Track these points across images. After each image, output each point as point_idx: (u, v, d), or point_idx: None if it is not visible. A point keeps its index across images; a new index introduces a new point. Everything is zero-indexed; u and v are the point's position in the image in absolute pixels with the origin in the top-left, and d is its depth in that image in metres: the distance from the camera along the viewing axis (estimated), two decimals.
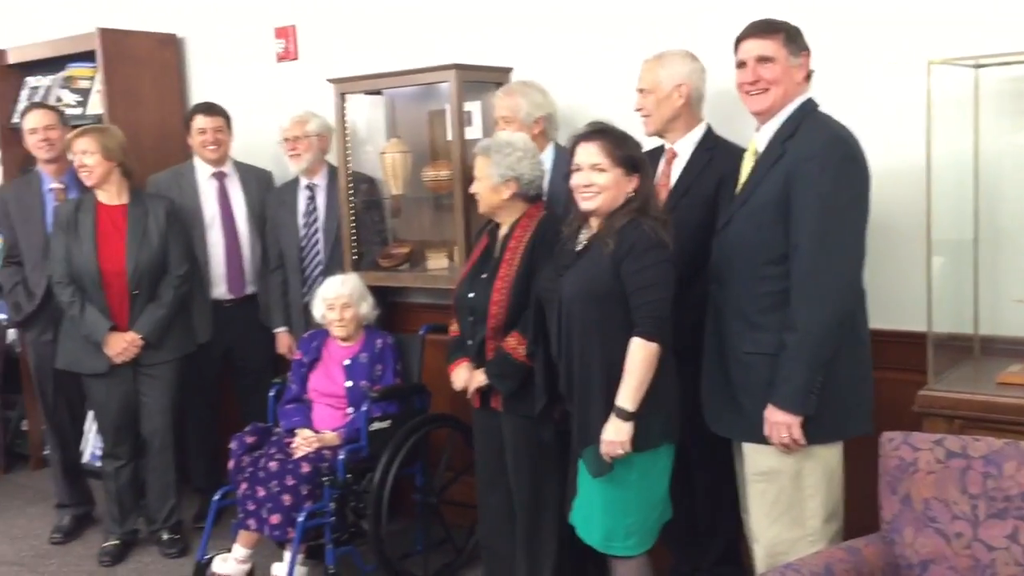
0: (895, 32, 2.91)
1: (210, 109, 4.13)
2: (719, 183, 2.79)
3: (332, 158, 4.05)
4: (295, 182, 4.08)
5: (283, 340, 4.13)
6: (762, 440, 2.49)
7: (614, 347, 2.54)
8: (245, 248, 4.17)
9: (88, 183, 3.75)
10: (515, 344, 2.95)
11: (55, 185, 4.09)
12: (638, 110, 3.00)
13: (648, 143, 2.99)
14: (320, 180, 4.04)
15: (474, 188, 3.05)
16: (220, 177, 4.17)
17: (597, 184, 2.58)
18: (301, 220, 4.01)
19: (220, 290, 4.15)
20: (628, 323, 2.54)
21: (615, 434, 2.51)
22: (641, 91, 2.98)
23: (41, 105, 4.28)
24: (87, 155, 3.71)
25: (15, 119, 4.93)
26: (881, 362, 2.86)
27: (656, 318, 2.50)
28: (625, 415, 2.50)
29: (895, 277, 2.94)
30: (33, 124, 4.08)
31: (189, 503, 4.24)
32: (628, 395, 2.50)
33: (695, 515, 3.05)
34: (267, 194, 4.20)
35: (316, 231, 4.01)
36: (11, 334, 5.06)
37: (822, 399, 2.40)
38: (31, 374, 4.30)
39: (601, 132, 2.62)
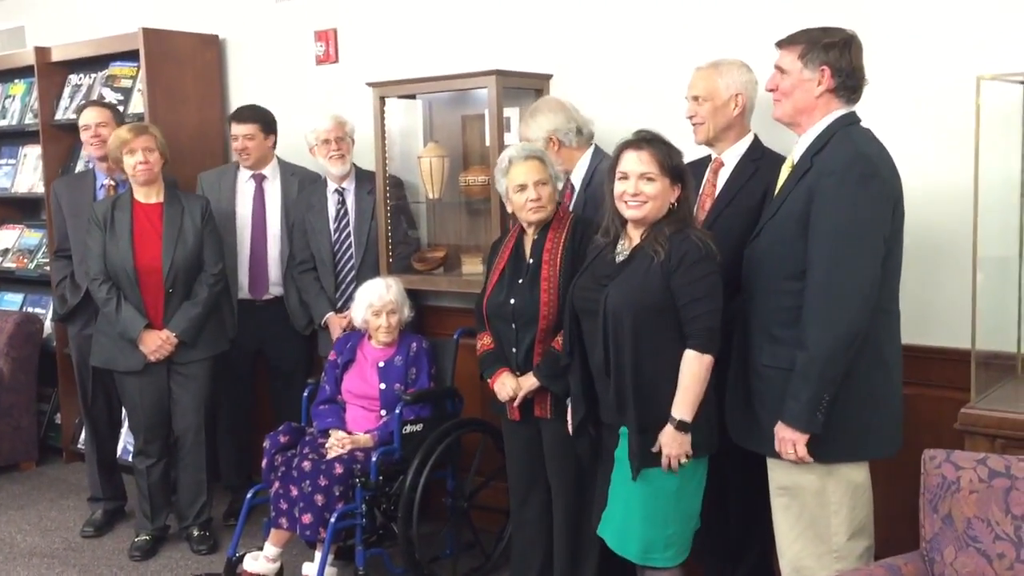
0: (945, 48, 2.90)
1: (241, 116, 4.15)
2: (764, 194, 2.77)
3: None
4: (323, 185, 4.07)
5: (336, 321, 3.97)
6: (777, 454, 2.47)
7: (665, 357, 2.55)
8: (273, 251, 4.18)
9: (143, 180, 3.77)
10: None
11: (108, 182, 4.13)
12: (690, 117, 2.98)
13: (693, 152, 2.98)
14: (349, 184, 4.05)
15: (543, 194, 3.00)
16: (259, 179, 4.20)
17: (645, 193, 2.58)
18: (332, 224, 4.02)
19: (242, 291, 4.18)
20: (677, 335, 2.53)
21: (677, 446, 2.52)
22: (696, 99, 2.96)
23: (96, 103, 4.32)
24: (150, 152, 3.74)
25: (58, 116, 5.00)
26: (921, 379, 2.85)
27: (709, 330, 2.51)
28: (684, 427, 2.51)
29: (937, 294, 2.92)
30: (87, 121, 4.12)
31: (219, 500, 4.27)
32: (685, 407, 2.51)
33: (728, 528, 3.03)
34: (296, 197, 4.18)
35: (348, 235, 4.02)
36: (47, 327, 5.13)
37: (839, 418, 2.37)
38: (74, 368, 4.34)
39: (650, 141, 2.62)
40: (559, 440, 3.02)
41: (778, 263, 2.46)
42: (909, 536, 2.67)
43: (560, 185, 3.10)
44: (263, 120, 4.17)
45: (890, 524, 2.62)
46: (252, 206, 4.18)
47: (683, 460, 2.53)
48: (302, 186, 4.19)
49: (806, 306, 2.37)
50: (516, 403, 3.08)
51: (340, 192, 4.03)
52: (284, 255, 4.18)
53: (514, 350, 3.08)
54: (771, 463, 2.54)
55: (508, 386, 3.08)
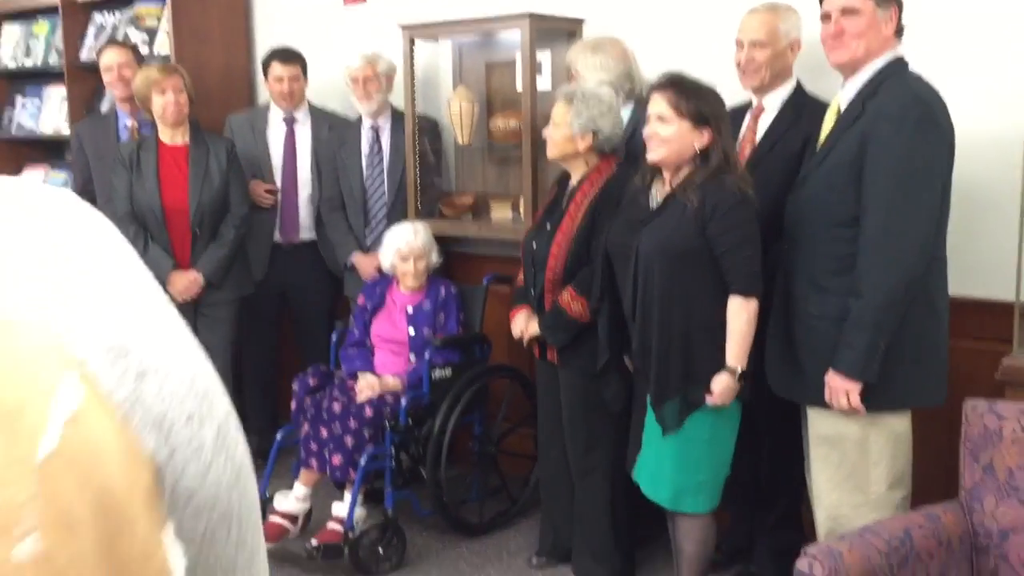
0: None
1: (287, 56, 4.09)
2: (806, 141, 2.72)
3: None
4: (357, 123, 4.04)
5: (365, 262, 3.91)
6: (825, 404, 2.46)
7: (695, 305, 2.52)
8: (303, 194, 4.16)
9: (174, 120, 3.73)
10: (568, 299, 2.93)
11: (130, 123, 4.11)
12: (748, 63, 2.88)
13: (734, 97, 2.93)
14: (384, 122, 4.00)
15: (549, 132, 2.99)
16: (290, 123, 4.17)
17: (660, 135, 2.55)
18: (365, 161, 3.99)
19: (275, 235, 4.17)
20: (710, 281, 2.52)
21: (728, 394, 2.51)
22: (754, 43, 2.87)
23: (117, 43, 4.29)
24: (179, 92, 3.71)
25: (83, 56, 4.95)
26: (961, 330, 2.81)
27: (751, 274, 2.48)
28: (736, 374, 2.50)
29: (981, 244, 2.88)
30: (108, 62, 4.09)
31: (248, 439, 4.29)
32: (737, 354, 2.50)
33: (759, 477, 3.03)
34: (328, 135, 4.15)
35: (381, 172, 3.99)
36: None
37: (890, 367, 2.36)
38: None
39: (669, 84, 2.57)
40: (570, 385, 3.04)
41: (827, 210, 2.43)
42: (942, 484, 2.68)
43: (593, 130, 3.01)
44: (303, 61, 4.14)
45: (924, 472, 2.61)
46: (283, 149, 4.16)
47: (727, 404, 2.51)
48: (331, 129, 4.15)
49: (861, 252, 2.34)
50: (524, 344, 3.12)
51: (375, 129, 4.00)
52: (315, 199, 4.16)
53: (532, 292, 3.09)
54: (812, 412, 2.53)
55: (518, 325, 3.11)
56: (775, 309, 2.60)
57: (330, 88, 4.26)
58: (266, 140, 4.14)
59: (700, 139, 2.53)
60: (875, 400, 2.39)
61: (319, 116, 4.20)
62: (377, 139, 4.00)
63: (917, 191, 2.30)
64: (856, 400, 2.37)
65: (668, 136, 2.54)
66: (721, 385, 2.51)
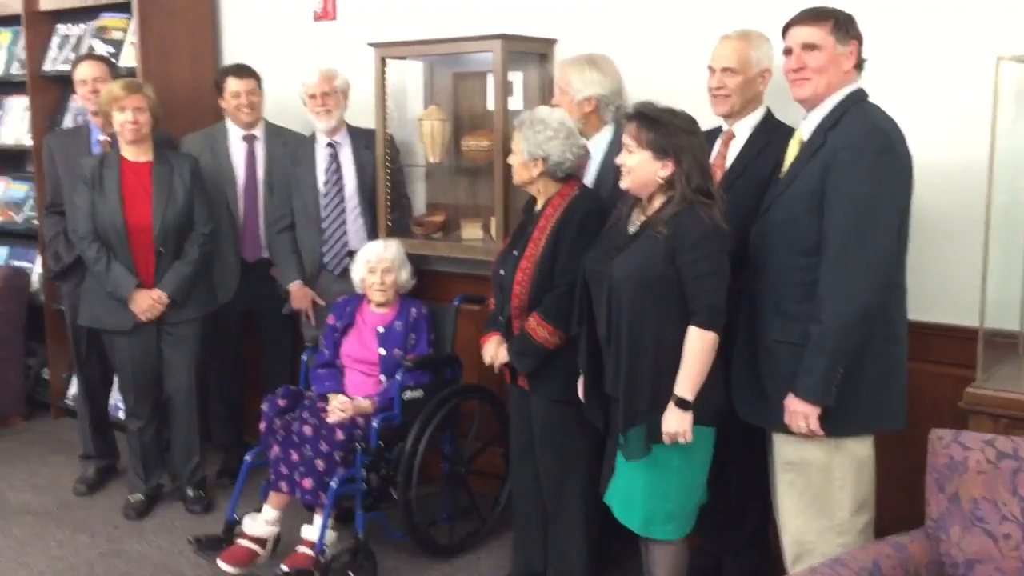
0: (963, 26, 2.88)
1: (242, 71, 4.07)
2: (775, 167, 2.76)
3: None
4: (311, 140, 4.01)
5: (300, 293, 3.99)
6: (786, 429, 2.49)
7: (664, 333, 2.54)
8: (263, 213, 4.13)
9: (131, 139, 3.70)
10: (535, 325, 2.94)
11: (102, 138, 4.03)
12: (717, 88, 2.93)
13: (706, 121, 2.96)
14: (341, 138, 3.98)
15: (510, 160, 3.07)
16: (250, 140, 4.13)
17: (626, 164, 2.61)
18: (322, 178, 3.95)
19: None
20: (679, 310, 2.53)
21: (677, 423, 2.51)
22: (726, 70, 2.90)
23: (92, 56, 4.22)
24: (140, 112, 3.67)
25: (46, 67, 4.88)
26: (923, 355, 2.88)
27: (713, 306, 2.50)
28: (685, 404, 2.51)
29: (943, 270, 2.94)
30: (83, 75, 4.03)
31: (211, 459, 4.27)
32: (687, 384, 2.51)
33: (727, 499, 3.06)
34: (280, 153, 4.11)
35: (340, 190, 3.95)
36: (35, 282, 5.07)
37: (850, 392, 2.40)
38: (67, 326, 4.27)
39: (634, 114, 2.61)
40: (540, 411, 3.05)
41: (790, 238, 2.47)
42: (905, 508, 2.73)
43: (543, 157, 2.97)
44: (258, 77, 4.12)
45: (886, 495, 2.66)
46: (245, 168, 4.12)
47: (680, 441, 2.52)
48: (286, 147, 4.11)
49: (822, 279, 2.38)
50: (495, 370, 3.14)
51: (333, 146, 3.97)
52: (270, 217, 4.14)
53: (500, 317, 3.11)
54: (777, 438, 2.56)
55: (489, 352, 3.13)
56: (740, 336, 2.64)
57: (298, 105, 4.22)
58: (229, 158, 4.10)
59: (663, 169, 2.56)
60: (837, 425, 2.43)
61: (274, 133, 4.17)
62: (335, 157, 3.97)
63: (877, 219, 2.34)
64: (815, 424, 2.41)
65: (632, 166, 2.60)
66: (669, 421, 2.51)
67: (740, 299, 2.66)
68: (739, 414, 2.66)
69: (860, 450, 2.51)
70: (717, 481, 2.92)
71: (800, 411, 2.42)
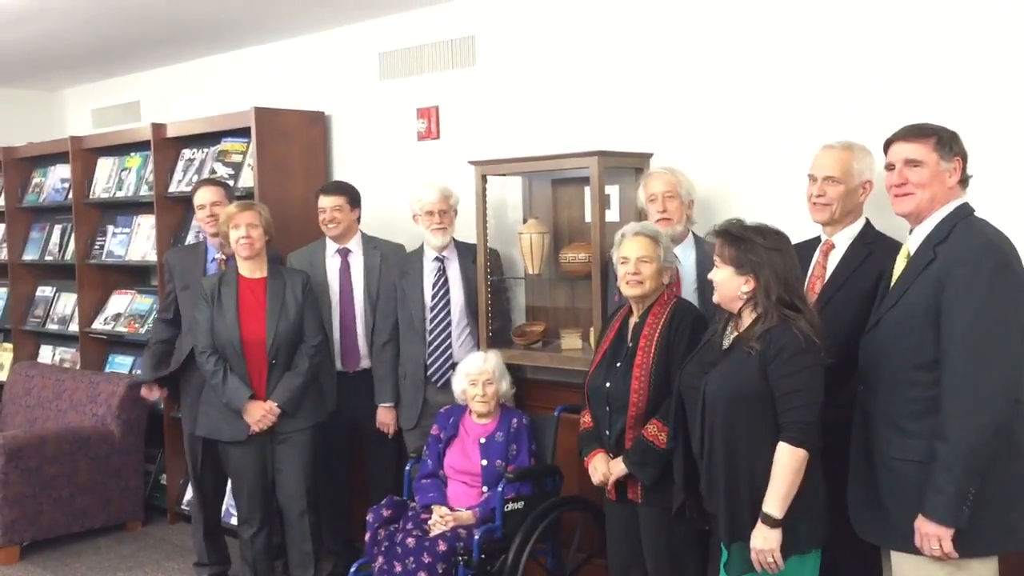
0: None
1: (329, 189, 4.30)
2: (878, 278, 2.74)
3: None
4: (419, 253, 4.14)
5: (385, 416, 4.18)
6: (909, 548, 2.42)
7: (759, 449, 2.52)
8: (360, 323, 4.26)
9: (245, 255, 3.89)
10: (655, 432, 2.95)
11: (219, 256, 4.27)
12: (817, 196, 2.96)
13: (802, 233, 2.98)
14: (449, 253, 4.12)
15: (643, 270, 3.06)
16: (344, 253, 4.30)
17: (714, 280, 2.68)
18: (429, 291, 4.09)
19: (336, 364, 4.27)
20: (774, 425, 2.51)
21: (764, 542, 2.47)
22: (827, 179, 2.94)
23: (210, 181, 4.47)
24: (253, 228, 3.87)
25: (171, 188, 5.22)
26: None
27: (804, 423, 2.47)
28: (773, 522, 2.47)
29: None
30: (202, 200, 4.28)
31: (322, 566, 4.32)
32: (775, 502, 2.47)
33: None
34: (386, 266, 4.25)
35: (447, 302, 4.08)
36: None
37: (976, 511, 2.33)
38: (184, 437, 4.44)
39: (719, 231, 2.68)
40: (652, 523, 3.03)
41: (905, 354, 2.45)
42: None
43: (671, 267, 3.12)
44: (349, 193, 4.29)
45: None
46: (340, 280, 4.29)
47: (769, 560, 2.47)
48: (384, 258, 4.26)
49: (946, 397, 2.34)
50: (607, 488, 3.11)
51: (441, 260, 4.10)
52: (369, 327, 4.25)
53: (607, 432, 3.12)
54: (897, 557, 2.49)
55: (599, 471, 3.12)
56: (854, 452, 2.60)
57: (402, 220, 4.37)
58: (324, 272, 4.27)
59: (745, 284, 2.60)
60: (962, 545, 2.36)
61: (370, 245, 4.33)
62: (443, 270, 4.10)
63: (998, 335, 2.33)
64: (949, 546, 2.34)
65: (718, 281, 2.67)
66: (758, 539, 2.47)
67: (849, 412, 2.62)
68: (857, 532, 2.60)
69: (985, 571, 2.42)
70: None
71: (933, 533, 2.35)
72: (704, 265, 3.23)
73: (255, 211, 3.92)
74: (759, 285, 2.57)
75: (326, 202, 4.24)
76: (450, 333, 4.06)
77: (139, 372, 5.36)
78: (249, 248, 3.88)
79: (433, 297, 4.07)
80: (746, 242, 2.60)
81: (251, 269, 3.95)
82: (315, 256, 4.32)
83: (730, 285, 2.62)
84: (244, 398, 3.85)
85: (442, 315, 4.07)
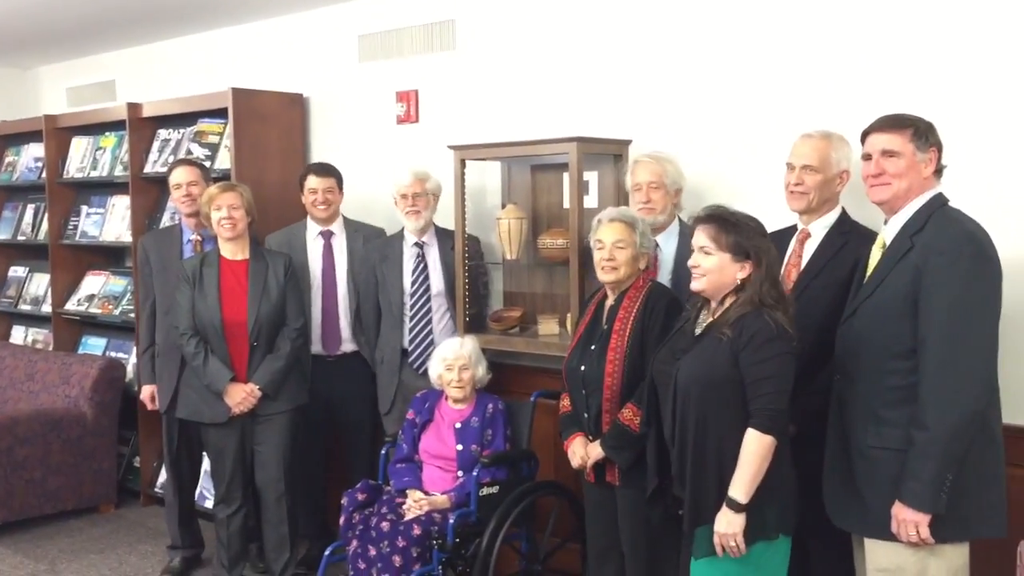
0: None
1: (321, 170, 4.25)
2: (854, 267, 2.75)
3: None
4: (399, 238, 4.13)
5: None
6: (885, 536, 2.45)
7: (729, 434, 2.53)
8: (343, 307, 4.25)
9: (228, 235, 3.86)
10: (631, 416, 2.97)
11: (194, 237, 4.23)
12: (795, 185, 2.97)
13: (777, 221, 2.99)
14: (429, 238, 4.11)
15: (618, 256, 3.06)
16: (327, 236, 4.28)
17: (703, 266, 2.61)
18: (409, 277, 4.08)
19: (316, 347, 4.24)
20: (744, 411, 2.53)
21: (727, 526, 2.49)
22: (805, 167, 2.95)
23: (186, 161, 4.43)
24: (235, 209, 3.84)
25: (147, 169, 5.17)
26: (1011, 459, 2.79)
27: (772, 411, 2.48)
28: (737, 506, 2.48)
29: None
30: (178, 180, 4.23)
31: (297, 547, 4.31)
32: (740, 487, 2.49)
33: None
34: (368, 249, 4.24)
35: (426, 288, 4.08)
36: (129, 372, 5.27)
37: (951, 498, 2.36)
38: (162, 419, 4.38)
39: (711, 217, 2.64)
40: (629, 506, 3.05)
41: (882, 344, 2.46)
42: None
43: (647, 253, 3.12)
44: (338, 175, 4.27)
45: None
46: (322, 263, 4.27)
47: (731, 544, 2.49)
48: (366, 241, 4.25)
49: (924, 384, 2.36)
50: (585, 471, 3.12)
51: (420, 246, 4.09)
52: (352, 310, 4.25)
53: (585, 415, 3.12)
54: (871, 544, 2.51)
55: (577, 454, 3.13)
56: (831, 441, 2.62)
57: (381, 204, 4.37)
58: (305, 254, 4.24)
59: (741, 271, 2.59)
60: (937, 531, 2.38)
61: (352, 228, 4.31)
62: (423, 256, 4.08)
63: (975, 323, 2.35)
64: (926, 532, 2.37)
65: (710, 267, 2.61)
66: (722, 523, 2.49)
67: (825, 402, 2.64)
68: (832, 520, 2.62)
69: (957, 558, 2.45)
70: None
71: (910, 519, 2.38)
72: (684, 253, 3.24)
73: (237, 192, 3.89)
74: (759, 272, 2.56)
75: (319, 183, 4.20)
76: (431, 319, 4.06)
77: (128, 358, 5.34)
78: (231, 229, 3.85)
79: (413, 283, 4.06)
80: (743, 228, 2.60)
81: (233, 251, 3.92)
82: (295, 238, 4.28)
83: (727, 272, 2.59)
84: (225, 380, 3.82)
85: (422, 300, 4.06)
